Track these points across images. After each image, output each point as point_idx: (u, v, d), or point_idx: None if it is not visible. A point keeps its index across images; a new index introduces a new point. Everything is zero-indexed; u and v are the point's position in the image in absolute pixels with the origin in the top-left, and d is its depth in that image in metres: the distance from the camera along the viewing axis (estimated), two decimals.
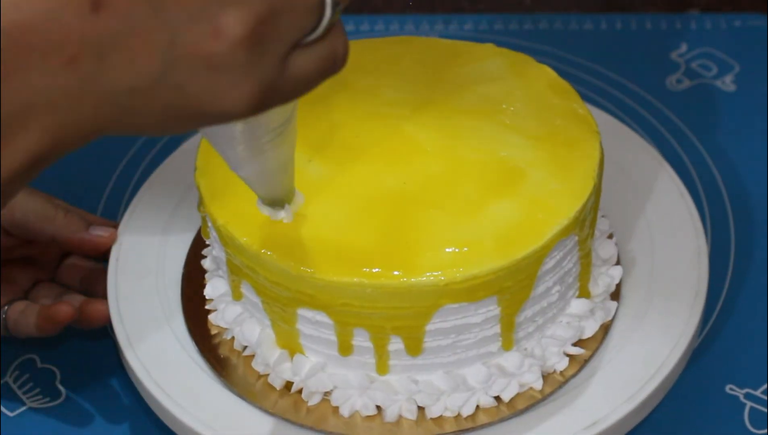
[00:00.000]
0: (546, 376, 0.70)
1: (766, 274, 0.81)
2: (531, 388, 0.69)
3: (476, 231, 0.65)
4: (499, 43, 0.77)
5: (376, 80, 0.74)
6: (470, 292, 0.64)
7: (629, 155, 0.81)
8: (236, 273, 0.69)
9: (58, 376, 0.77)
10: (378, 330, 0.66)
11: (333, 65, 0.51)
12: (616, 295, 0.74)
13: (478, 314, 0.66)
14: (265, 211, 0.65)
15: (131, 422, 0.75)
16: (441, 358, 0.67)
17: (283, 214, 0.65)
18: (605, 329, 0.72)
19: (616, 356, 0.71)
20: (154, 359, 0.72)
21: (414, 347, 0.66)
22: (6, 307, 0.74)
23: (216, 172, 0.69)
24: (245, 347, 0.72)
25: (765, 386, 0.75)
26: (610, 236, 0.76)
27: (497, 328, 0.67)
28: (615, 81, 0.95)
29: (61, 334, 0.75)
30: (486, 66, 0.75)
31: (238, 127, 0.57)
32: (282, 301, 0.66)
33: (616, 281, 0.73)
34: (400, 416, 0.68)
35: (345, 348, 0.67)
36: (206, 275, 0.75)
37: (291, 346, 0.69)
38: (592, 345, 0.71)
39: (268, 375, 0.70)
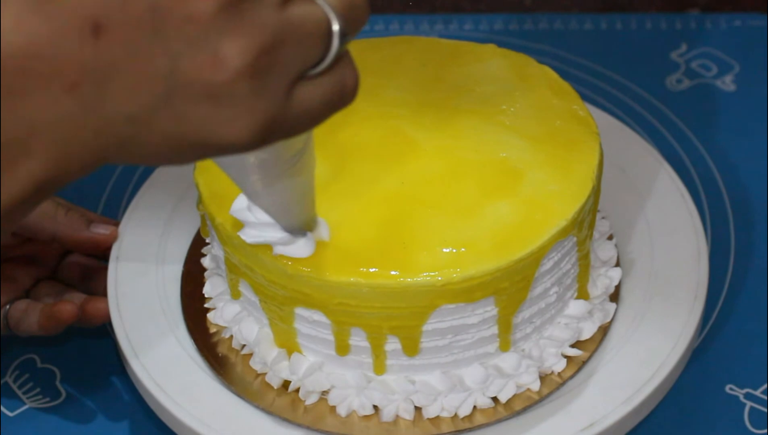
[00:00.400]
0: (543, 378, 0.70)
1: (766, 274, 0.81)
2: (528, 389, 0.69)
3: (474, 231, 0.65)
4: (499, 43, 0.77)
5: (376, 80, 0.74)
6: (467, 292, 0.64)
7: (629, 155, 0.81)
8: (234, 271, 0.69)
9: (58, 376, 0.77)
10: (375, 330, 0.66)
11: (341, 98, 0.50)
12: (615, 297, 0.73)
13: (475, 315, 0.66)
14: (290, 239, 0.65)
15: (131, 422, 0.75)
16: (438, 359, 0.67)
17: (302, 243, 0.64)
18: (604, 331, 0.72)
19: (614, 358, 0.71)
20: (153, 358, 0.72)
21: (411, 347, 0.66)
22: (8, 306, 0.74)
23: (215, 170, 0.69)
24: (243, 346, 0.72)
25: (765, 386, 0.75)
26: (610, 238, 0.76)
27: (494, 329, 0.67)
28: (615, 81, 0.95)
29: (62, 334, 0.75)
30: (487, 67, 0.75)
31: (249, 159, 0.55)
32: (279, 300, 0.67)
33: (615, 283, 0.73)
34: (397, 416, 0.68)
35: (342, 347, 0.67)
36: (205, 274, 0.75)
37: (289, 345, 0.69)
38: (590, 346, 0.71)
39: (265, 374, 0.70)
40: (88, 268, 0.79)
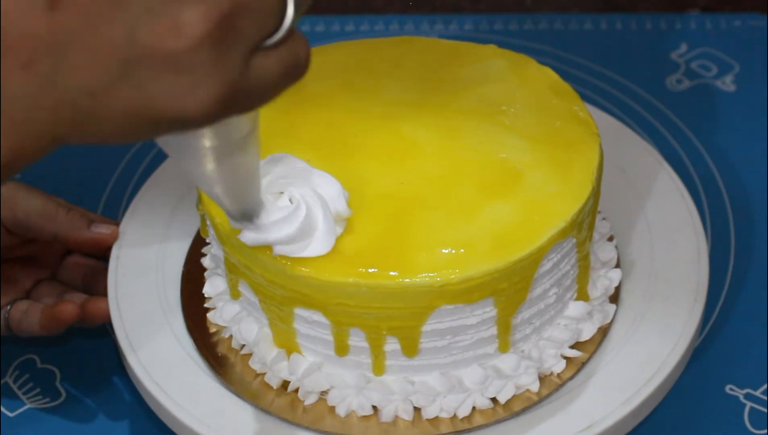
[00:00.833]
0: (543, 379, 0.70)
1: (766, 274, 0.81)
2: (528, 390, 0.69)
3: (473, 232, 0.65)
4: (500, 43, 0.77)
5: (376, 81, 0.74)
6: (466, 293, 0.64)
7: (629, 155, 0.81)
8: (234, 271, 0.69)
9: (58, 376, 0.77)
10: (374, 330, 0.66)
11: (295, 69, 0.50)
12: (615, 298, 0.73)
13: (474, 316, 0.66)
14: (235, 225, 0.64)
15: (131, 422, 0.75)
16: (437, 359, 0.67)
17: (252, 229, 0.64)
18: (603, 332, 0.72)
19: (613, 359, 0.71)
20: (153, 357, 0.72)
21: (410, 348, 0.66)
22: (8, 307, 0.74)
23: None
24: (243, 346, 0.72)
25: (765, 386, 0.75)
26: (611, 239, 0.76)
27: (494, 330, 0.67)
28: (615, 81, 0.95)
29: (62, 334, 0.75)
30: (487, 67, 0.75)
31: (198, 141, 0.55)
32: (278, 300, 0.67)
33: (615, 284, 0.73)
34: (396, 416, 0.68)
35: (341, 348, 0.67)
36: (205, 273, 0.75)
37: (288, 345, 0.69)
38: (589, 347, 0.71)
39: (265, 374, 0.70)
40: (89, 268, 0.79)
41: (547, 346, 0.69)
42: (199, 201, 0.70)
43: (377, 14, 1.02)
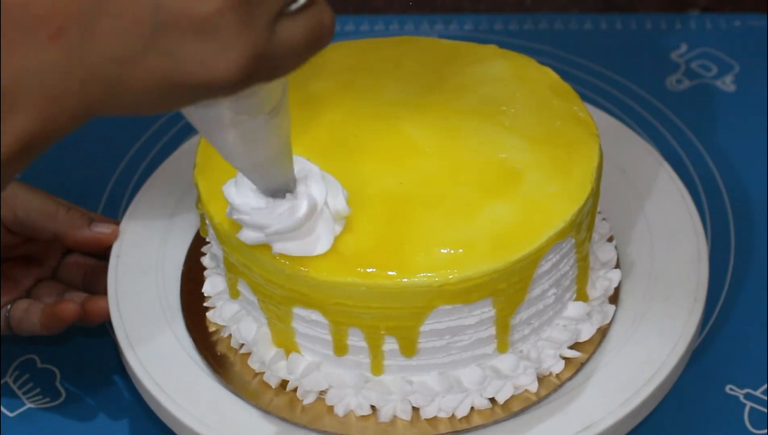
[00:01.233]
0: (541, 379, 0.69)
1: (766, 274, 0.81)
2: (526, 391, 0.69)
3: (472, 232, 0.65)
4: (500, 43, 0.77)
5: (376, 81, 0.74)
6: (465, 293, 0.64)
7: (629, 155, 0.81)
8: (233, 271, 0.69)
9: (58, 376, 0.77)
10: (372, 330, 0.66)
11: (321, 35, 0.50)
12: (614, 298, 0.73)
13: (473, 316, 0.66)
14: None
15: (131, 422, 0.75)
16: (435, 359, 0.67)
17: (287, 205, 0.63)
18: (603, 332, 0.72)
19: (613, 359, 0.71)
20: (153, 356, 0.72)
21: (408, 348, 0.66)
22: (9, 306, 0.74)
23: (215, 170, 0.69)
24: (242, 345, 0.72)
25: (765, 386, 0.75)
26: (610, 239, 0.75)
27: (492, 330, 0.67)
28: (615, 81, 0.95)
29: (62, 333, 0.75)
30: (487, 67, 0.75)
31: (227, 114, 0.55)
32: (277, 300, 0.67)
33: (615, 285, 0.73)
34: (395, 416, 0.68)
35: (340, 347, 0.67)
36: (205, 273, 0.75)
37: (287, 344, 0.69)
38: (589, 348, 0.71)
39: (263, 373, 0.70)
40: (89, 267, 0.79)
41: (546, 347, 0.69)
42: (198, 200, 0.70)
43: (377, 14, 1.02)
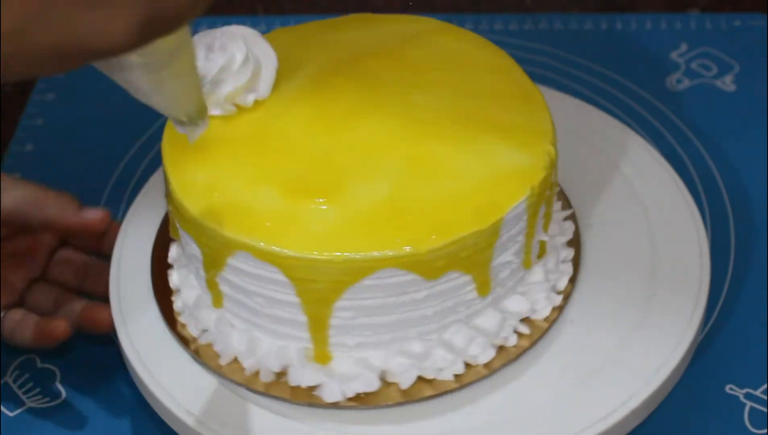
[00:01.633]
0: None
1: (766, 274, 0.81)
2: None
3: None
4: (500, 43, 0.77)
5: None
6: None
7: (629, 155, 0.81)
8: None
9: (58, 376, 0.77)
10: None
11: None
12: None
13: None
14: (182, 131, 0.64)
15: (132, 422, 0.75)
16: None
17: (201, 130, 0.64)
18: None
19: (614, 360, 0.71)
20: (155, 359, 0.72)
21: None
22: (2, 313, 0.74)
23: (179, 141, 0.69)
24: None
25: (765, 386, 0.75)
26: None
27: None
28: (615, 81, 0.95)
29: None
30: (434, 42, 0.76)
31: (128, 60, 0.56)
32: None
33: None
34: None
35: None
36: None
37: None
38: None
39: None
40: (81, 265, 0.78)
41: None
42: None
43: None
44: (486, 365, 0.69)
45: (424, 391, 0.68)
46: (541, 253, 0.72)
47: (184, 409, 0.69)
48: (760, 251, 0.82)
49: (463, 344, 0.68)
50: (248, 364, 0.69)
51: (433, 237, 0.64)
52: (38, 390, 0.77)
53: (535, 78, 0.75)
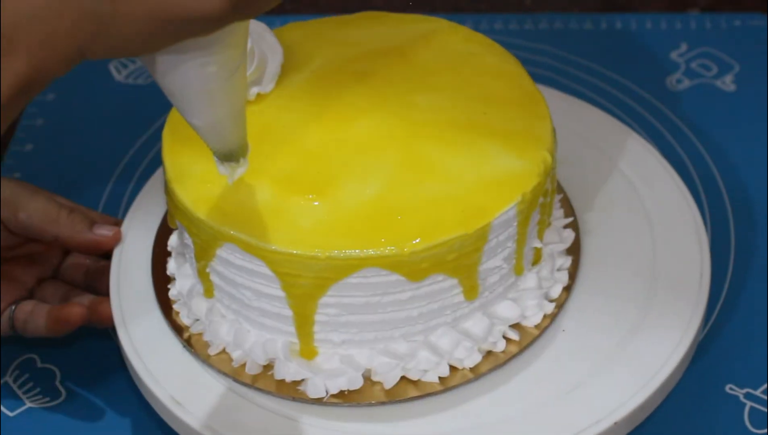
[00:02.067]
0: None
1: (766, 274, 0.81)
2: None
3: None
4: (500, 43, 0.77)
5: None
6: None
7: (629, 155, 0.81)
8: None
9: (58, 376, 0.77)
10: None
11: None
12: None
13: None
14: (223, 171, 0.66)
15: (132, 421, 0.75)
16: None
17: (240, 171, 0.66)
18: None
19: (614, 360, 0.71)
20: (155, 358, 0.72)
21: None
22: (13, 307, 0.74)
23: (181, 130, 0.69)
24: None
25: (765, 386, 0.75)
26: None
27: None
28: (615, 81, 0.95)
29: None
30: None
31: (196, 65, 0.57)
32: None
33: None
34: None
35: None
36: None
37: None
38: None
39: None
40: (91, 267, 0.79)
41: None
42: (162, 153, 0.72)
43: None
44: (473, 369, 0.69)
45: (409, 391, 0.68)
46: (536, 259, 0.72)
47: (186, 410, 0.69)
48: (760, 251, 0.82)
49: (448, 347, 0.68)
50: (236, 355, 0.70)
51: (418, 239, 0.64)
52: (38, 390, 0.77)
53: (535, 78, 0.75)
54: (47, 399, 0.76)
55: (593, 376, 0.70)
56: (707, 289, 0.74)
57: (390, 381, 0.68)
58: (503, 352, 0.70)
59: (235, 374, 0.69)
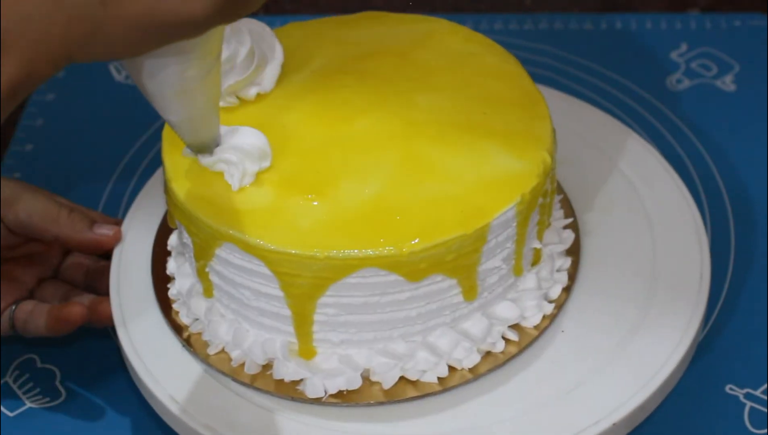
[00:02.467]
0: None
1: (766, 274, 0.81)
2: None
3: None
4: (500, 43, 0.77)
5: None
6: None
7: (629, 155, 0.81)
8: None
9: (58, 376, 0.77)
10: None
11: None
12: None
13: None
14: (190, 155, 0.67)
15: (132, 421, 0.75)
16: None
17: (209, 160, 0.67)
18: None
19: (615, 360, 0.71)
20: (156, 358, 0.72)
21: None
22: (13, 307, 0.74)
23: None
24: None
25: (765, 386, 0.75)
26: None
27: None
28: (615, 81, 0.95)
29: (63, 334, 0.75)
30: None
31: (178, 68, 0.58)
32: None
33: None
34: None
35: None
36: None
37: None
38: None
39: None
40: (91, 267, 0.79)
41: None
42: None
43: None
44: (471, 370, 0.69)
45: (408, 391, 0.68)
46: (536, 260, 0.72)
47: (184, 409, 0.69)
48: (760, 251, 0.82)
49: (447, 347, 0.68)
50: (235, 355, 0.70)
51: (416, 240, 0.64)
52: (38, 390, 0.77)
53: (535, 78, 0.75)
54: (47, 399, 0.76)
55: (593, 377, 0.70)
56: (707, 289, 0.74)
57: (389, 381, 0.68)
58: (502, 352, 0.70)
59: (233, 374, 0.69)
